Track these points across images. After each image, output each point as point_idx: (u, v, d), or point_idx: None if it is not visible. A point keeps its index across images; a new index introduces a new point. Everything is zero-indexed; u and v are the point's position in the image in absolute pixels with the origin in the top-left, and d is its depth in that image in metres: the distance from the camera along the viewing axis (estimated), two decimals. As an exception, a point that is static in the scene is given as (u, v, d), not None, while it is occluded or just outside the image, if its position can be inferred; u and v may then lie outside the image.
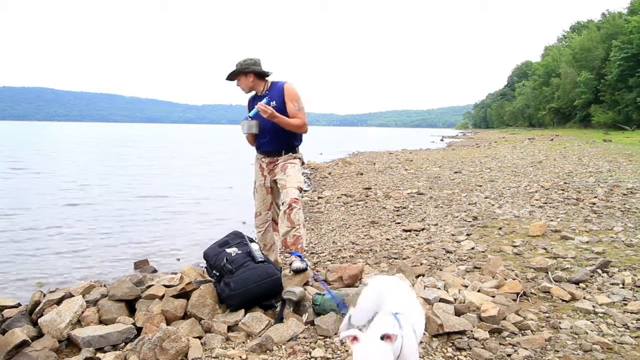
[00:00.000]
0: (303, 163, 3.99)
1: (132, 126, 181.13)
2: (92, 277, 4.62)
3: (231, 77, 3.79)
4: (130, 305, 3.16)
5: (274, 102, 3.69)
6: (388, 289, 1.90)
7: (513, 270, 3.71)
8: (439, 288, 3.28)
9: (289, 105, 3.71)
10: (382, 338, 1.49)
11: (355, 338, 1.50)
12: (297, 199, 3.58)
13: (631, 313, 2.85)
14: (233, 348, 2.62)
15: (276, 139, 3.77)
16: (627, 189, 7.31)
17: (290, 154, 3.85)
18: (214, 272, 3.21)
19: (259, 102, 3.61)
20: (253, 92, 3.91)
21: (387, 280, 2.03)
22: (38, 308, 3.10)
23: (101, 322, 2.98)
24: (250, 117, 3.76)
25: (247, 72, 3.75)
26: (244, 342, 2.70)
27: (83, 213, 8.17)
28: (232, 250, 3.22)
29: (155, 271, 4.95)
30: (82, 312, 2.99)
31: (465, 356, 2.44)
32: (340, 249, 5.05)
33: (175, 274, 3.65)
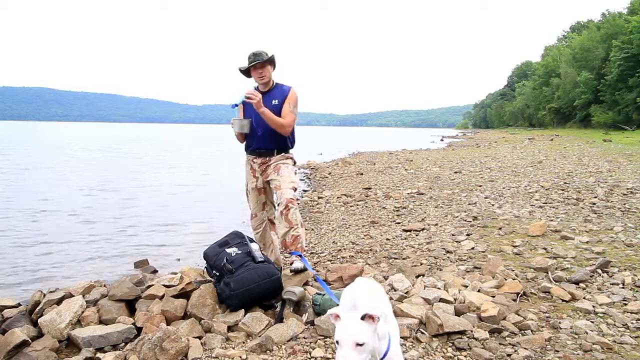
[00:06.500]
0: (295, 163, 3.99)
1: (133, 126, 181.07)
2: (92, 277, 4.62)
3: (261, 64, 3.66)
4: (130, 305, 3.16)
5: (276, 101, 3.71)
6: (361, 290, 1.96)
7: (513, 270, 3.70)
8: (439, 288, 3.28)
9: (285, 105, 3.72)
10: (363, 318, 1.54)
11: (337, 316, 1.57)
12: (292, 199, 3.58)
13: (631, 313, 2.85)
14: (233, 348, 2.62)
15: (268, 137, 3.75)
16: (627, 189, 7.31)
17: (283, 154, 3.85)
18: (214, 272, 3.21)
19: (248, 90, 3.55)
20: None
21: (361, 282, 2.09)
22: (38, 308, 3.10)
23: (101, 322, 2.98)
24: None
25: (274, 63, 3.75)
26: (244, 342, 2.70)
27: (83, 213, 8.17)
28: (232, 250, 3.22)
29: (155, 271, 4.94)
30: (82, 312, 2.99)
31: (465, 356, 2.44)
32: (340, 249, 5.05)
33: (175, 274, 3.65)
